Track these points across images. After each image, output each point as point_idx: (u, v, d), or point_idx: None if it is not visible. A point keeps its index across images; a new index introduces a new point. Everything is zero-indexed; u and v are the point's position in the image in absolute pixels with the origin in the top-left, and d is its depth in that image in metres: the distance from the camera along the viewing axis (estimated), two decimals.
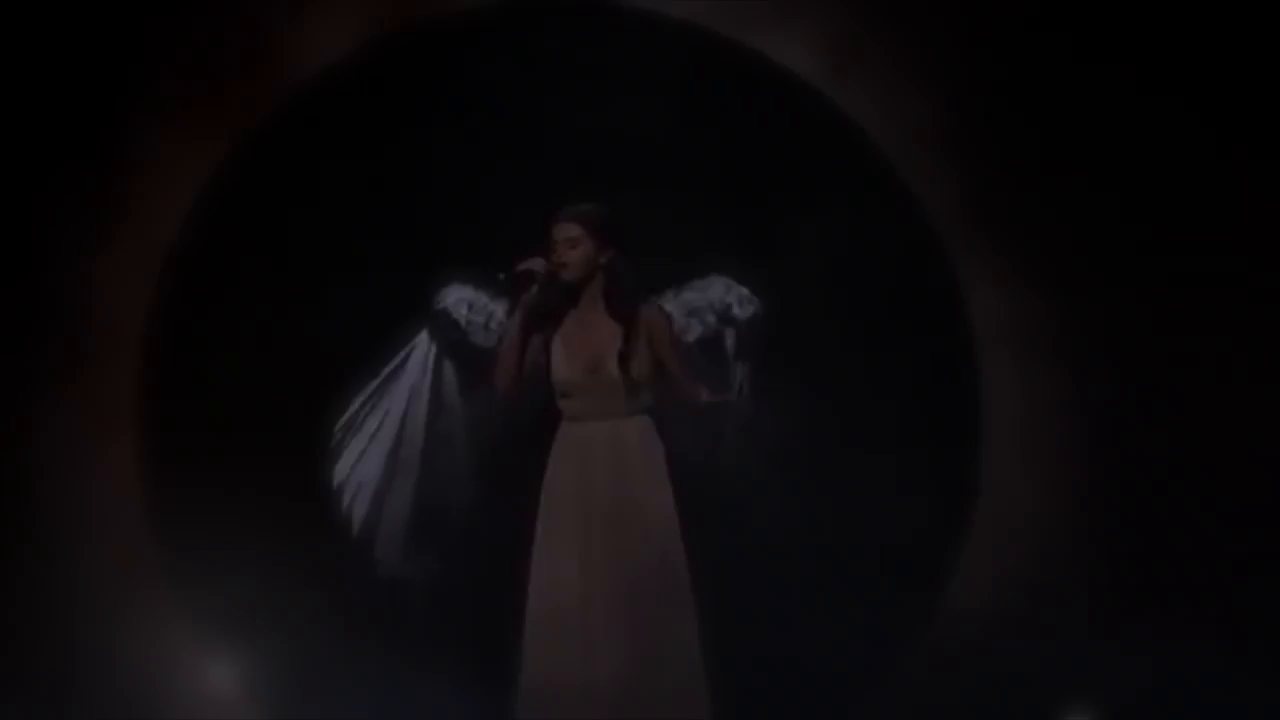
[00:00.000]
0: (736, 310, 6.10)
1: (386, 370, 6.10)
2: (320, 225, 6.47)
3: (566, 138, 6.45)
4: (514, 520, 5.98)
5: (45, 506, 6.36)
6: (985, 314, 6.57)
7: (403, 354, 6.10)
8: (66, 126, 6.35)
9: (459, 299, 6.05)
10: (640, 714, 5.77)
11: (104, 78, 6.39)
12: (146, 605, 6.38)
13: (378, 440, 6.07)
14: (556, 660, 5.80)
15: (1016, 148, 6.56)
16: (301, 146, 6.48)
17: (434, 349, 6.06)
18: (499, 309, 6.06)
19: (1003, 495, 6.52)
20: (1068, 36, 6.56)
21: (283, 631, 6.31)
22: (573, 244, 5.85)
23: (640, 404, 5.90)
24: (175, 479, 6.42)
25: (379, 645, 6.38)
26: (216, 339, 6.45)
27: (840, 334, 6.46)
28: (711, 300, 6.11)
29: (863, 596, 6.43)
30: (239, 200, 6.48)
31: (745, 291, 6.11)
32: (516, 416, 6.01)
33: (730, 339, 6.12)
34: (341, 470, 6.09)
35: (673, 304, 6.08)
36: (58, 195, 6.35)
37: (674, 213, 6.36)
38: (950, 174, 6.59)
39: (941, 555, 6.49)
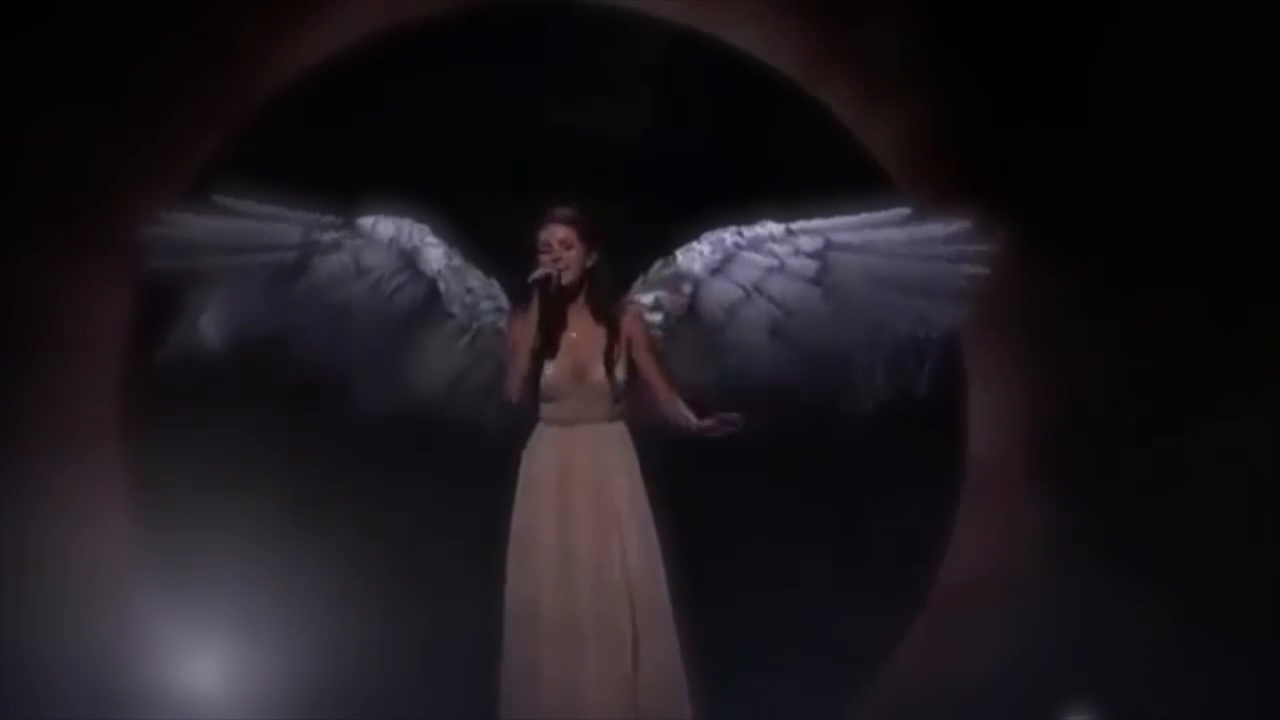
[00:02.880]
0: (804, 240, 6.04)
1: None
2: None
3: (542, 136, 6.52)
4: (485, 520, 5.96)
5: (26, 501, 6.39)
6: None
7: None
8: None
9: (447, 259, 6.05)
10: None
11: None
12: (128, 600, 6.41)
13: None
14: (538, 676, 5.65)
15: (998, 142, 6.61)
16: (282, 146, 6.54)
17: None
18: (479, 285, 6.06)
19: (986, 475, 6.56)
20: (1043, 37, 6.63)
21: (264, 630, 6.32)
22: (567, 245, 5.77)
23: (619, 410, 5.81)
24: (158, 476, 6.45)
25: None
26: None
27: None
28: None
29: (849, 586, 6.44)
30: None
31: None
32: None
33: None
34: None
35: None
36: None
37: (650, 213, 6.37)
38: (932, 168, 6.65)
39: (930, 539, 6.52)
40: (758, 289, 6.03)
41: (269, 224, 5.80)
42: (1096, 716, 6.31)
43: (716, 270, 6.04)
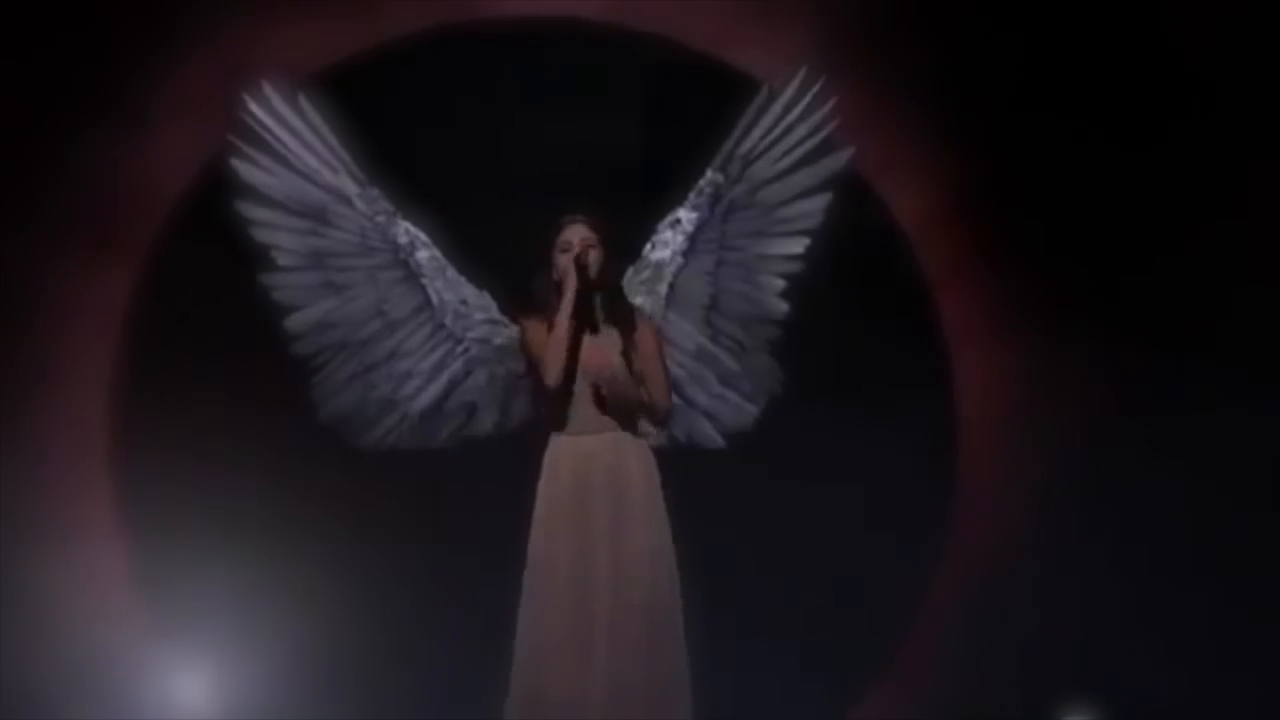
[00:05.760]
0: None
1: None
2: None
3: (535, 150, 6.53)
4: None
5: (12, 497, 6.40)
6: (954, 311, 6.70)
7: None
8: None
9: (440, 267, 6.11)
10: None
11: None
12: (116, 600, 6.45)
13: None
14: (548, 683, 5.61)
15: (993, 151, 6.64)
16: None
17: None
18: (472, 297, 6.08)
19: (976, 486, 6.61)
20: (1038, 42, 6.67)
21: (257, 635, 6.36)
22: (589, 245, 5.66)
23: (635, 419, 5.72)
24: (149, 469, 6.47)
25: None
26: (195, 333, 6.48)
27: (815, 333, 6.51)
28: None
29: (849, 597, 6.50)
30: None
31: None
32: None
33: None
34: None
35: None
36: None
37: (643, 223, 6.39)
38: (924, 177, 6.68)
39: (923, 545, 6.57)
40: (725, 245, 6.15)
41: (317, 141, 6.11)
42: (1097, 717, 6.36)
43: (688, 250, 6.12)
